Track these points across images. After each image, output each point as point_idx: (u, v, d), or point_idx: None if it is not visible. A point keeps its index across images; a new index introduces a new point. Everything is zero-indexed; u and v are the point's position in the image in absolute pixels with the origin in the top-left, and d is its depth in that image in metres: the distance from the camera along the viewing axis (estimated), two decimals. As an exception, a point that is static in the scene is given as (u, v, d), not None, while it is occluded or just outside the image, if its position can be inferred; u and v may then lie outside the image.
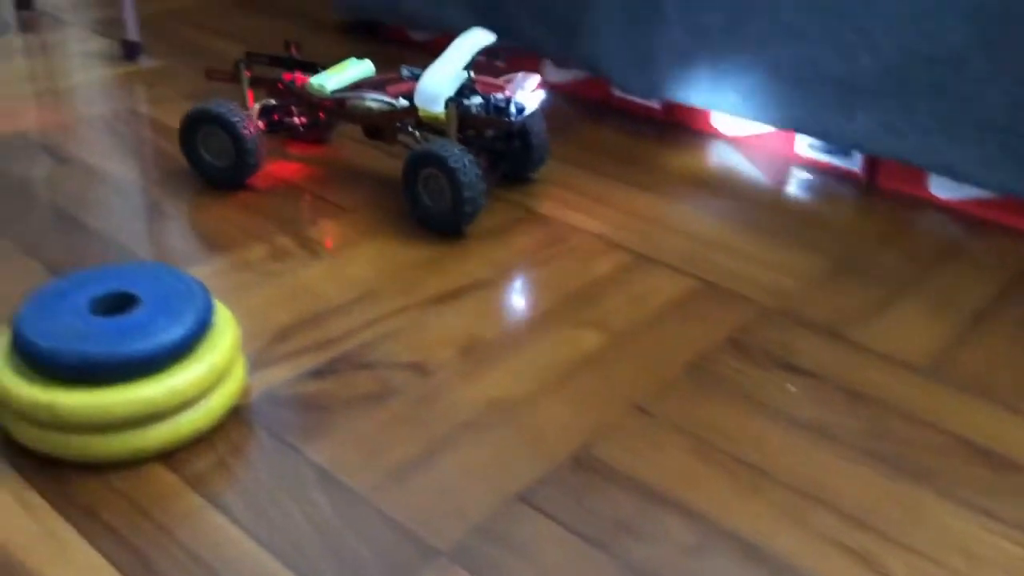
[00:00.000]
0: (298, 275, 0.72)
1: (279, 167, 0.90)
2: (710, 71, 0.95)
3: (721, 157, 0.97)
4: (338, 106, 0.86)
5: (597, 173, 0.92)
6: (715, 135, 1.02)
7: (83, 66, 1.16)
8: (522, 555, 0.48)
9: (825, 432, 0.58)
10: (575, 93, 1.12)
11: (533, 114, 0.85)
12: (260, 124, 0.87)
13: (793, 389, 0.62)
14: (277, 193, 0.85)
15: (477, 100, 0.82)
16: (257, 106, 0.89)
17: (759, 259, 0.77)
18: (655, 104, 1.06)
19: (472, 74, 0.83)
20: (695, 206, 0.86)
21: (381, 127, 0.85)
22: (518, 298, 0.71)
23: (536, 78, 0.84)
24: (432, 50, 1.28)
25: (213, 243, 0.76)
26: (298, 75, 0.88)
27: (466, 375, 0.62)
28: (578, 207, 0.85)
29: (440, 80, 0.81)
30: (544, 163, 0.90)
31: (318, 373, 0.61)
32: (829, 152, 0.95)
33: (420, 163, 0.78)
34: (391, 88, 0.85)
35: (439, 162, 0.77)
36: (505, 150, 0.88)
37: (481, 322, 0.68)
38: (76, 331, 0.53)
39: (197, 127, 0.85)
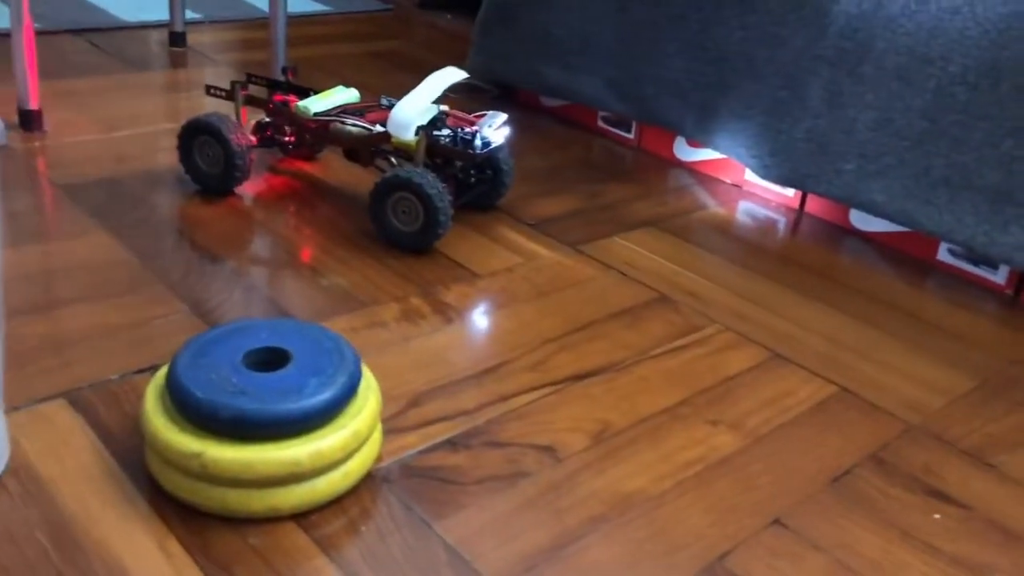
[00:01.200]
0: (432, 338, 0.73)
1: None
2: (853, 167, 0.94)
3: (858, 255, 0.95)
4: (321, 128, 0.93)
5: (719, 255, 0.91)
6: (852, 232, 1.00)
7: (218, 103, 1.20)
8: (655, 668, 0.47)
9: (974, 570, 0.55)
10: (707, 174, 1.11)
11: (501, 148, 0.93)
12: (252, 139, 0.94)
13: (939, 518, 0.59)
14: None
15: (446, 132, 0.88)
16: (252, 123, 0.98)
17: (900, 370, 0.75)
18: (790, 194, 1.05)
19: (446, 109, 0.92)
20: (831, 305, 0.84)
21: (358, 150, 0.92)
22: (649, 386, 0.70)
23: (503, 116, 0.91)
24: (563, 118, 1.31)
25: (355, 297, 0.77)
26: (291, 97, 0.96)
27: (598, 464, 0.61)
28: (708, 293, 0.83)
29: (411, 110, 0.88)
30: (507, 193, 0.98)
31: (451, 445, 0.61)
32: (973, 263, 0.91)
33: (393, 188, 0.85)
34: (370, 115, 0.93)
35: (415, 188, 0.83)
36: (469, 179, 0.95)
37: (613, 408, 0.67)
38: (231, 385, 0.54)
39: (194, 136, 0.92)
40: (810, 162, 0.96)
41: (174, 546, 0.51)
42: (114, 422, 0.60)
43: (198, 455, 0.51)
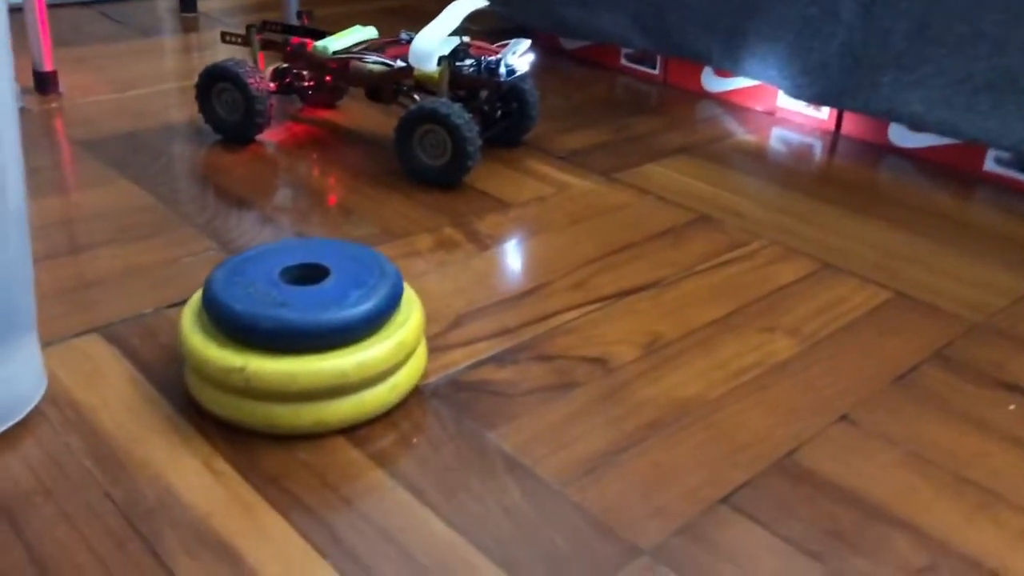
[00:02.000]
0: (470, 263, 0.71)
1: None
2: (890, 80, 0.90)
3: (899, 172, 0.92)
4: (342, 67, 0.90)
5: (758, 177, 0.88)
6: (891, 150, 0.97)
7: (235, 52, 1.18)
8: (731, 559, 0.45)
9: (1056, 457, 0.52)
10: (737, 103, 1.08)
11: (525, 78, 0.90)
12: (271, 85, 0.92)
13: (1015, 408, 0.56)
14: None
15: (469, 62, 0.85)
16: (270, 68, 0.95)
17: (956, 274, 0.72)
18: (824, 116, 1.01)
19: (467, 39, 0.88)
20: (877, 217, 0.81)
21: (380, 88, 0.90)
22: (697, 299, 0.67)
23: (527, 43, 0.87)
24: (583, 59, 1.28)
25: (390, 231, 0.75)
26: (308, 41, 0.92)
27: (651, 373, 0.58)
28: (750, 212, 0.81)
29: (432, 40, 0.85)
30: (533, 127, 0.94)
31: (498, 361, 0.59)
32: (1022, 169, 0.88)
33: (419, 120, 0.82)
34: (390, 51, 0.90)
35: (441, 119, 0.81)
36: (495, 113, 0.92)
37: (661, 321, 0.64)
38: (271, 298, 0.52)
39: (212, 83, 0.90)
40: (845, 78, 0.93)
41: (221, 464, 0.49)
42: (150, 353, 0.58)
43: (241, 369, 0.50)
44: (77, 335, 0.60)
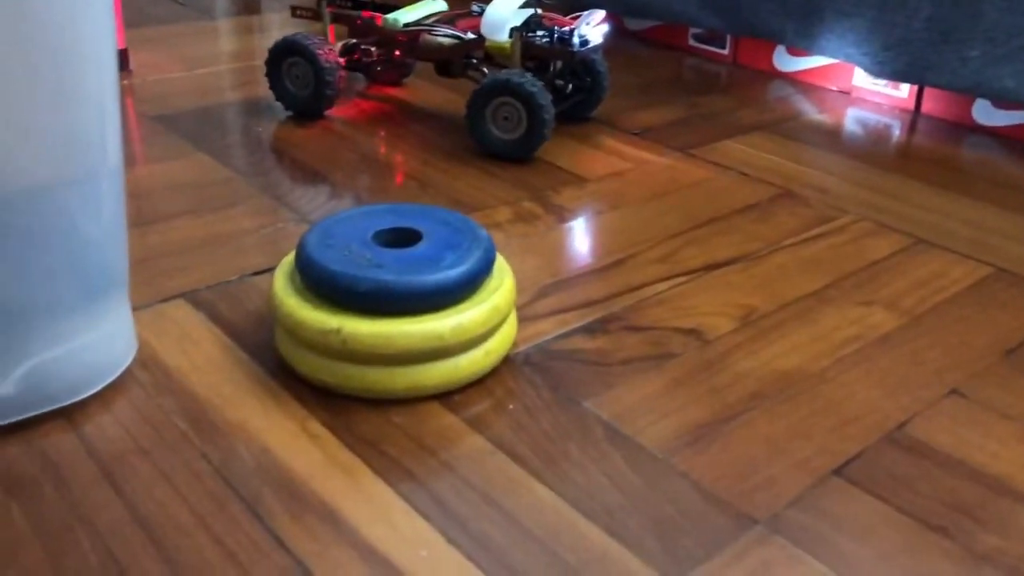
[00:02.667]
0: (546, 236, 0.69)
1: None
2: (979, 54, 0.87)
3: (986, 150, 0.89)
4: (412, 40, 0.89)
5: (839, 154, 0.85)
6: (975, 128, 0.94)
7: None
8: (849, 532, 0.43)
9: None
10: (811, 83, 1.06)
11: (597, 49, 0.87)
12: (340, 60, 0.91)
13: None
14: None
15: (542, 33, 0.84)
16: (339, 44, 0.93)
17: (1057, 251, 0.69)
18: (904, 95, 0.99)
19: (539, 11, 0.87)
20: (966, 194, 0.78)
21: (450, 61, 0.88)
22: (789, 272, 0.65)
23: (601, 13, 0.85)
24: (649, 40, 1.26)
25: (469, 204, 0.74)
26: (378, 15, 0.91)
27: (749, 345, 0.57)
28: (835, 187, 0.78)
29: (505, 10, 0.84)
30: (604, 100, 0.93)
31: (588, 331, 0.58)
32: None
33: (493, 92, 0.81)
34: (460, 23, 0.88)
35: (515, 89, 0.80)
36: (567, 87, 0.90)
37: (755, 294, 0.62)
38: (366, 260, 0.51)
39: (283, 57, 0.90)
40: (931, 53, 0.90)
41: (316, 427, 0.48)
42: (237, 318, 0.58)
43: (337, 330, 0.49)
44: (163, 300, 0.59)
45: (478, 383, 0.52)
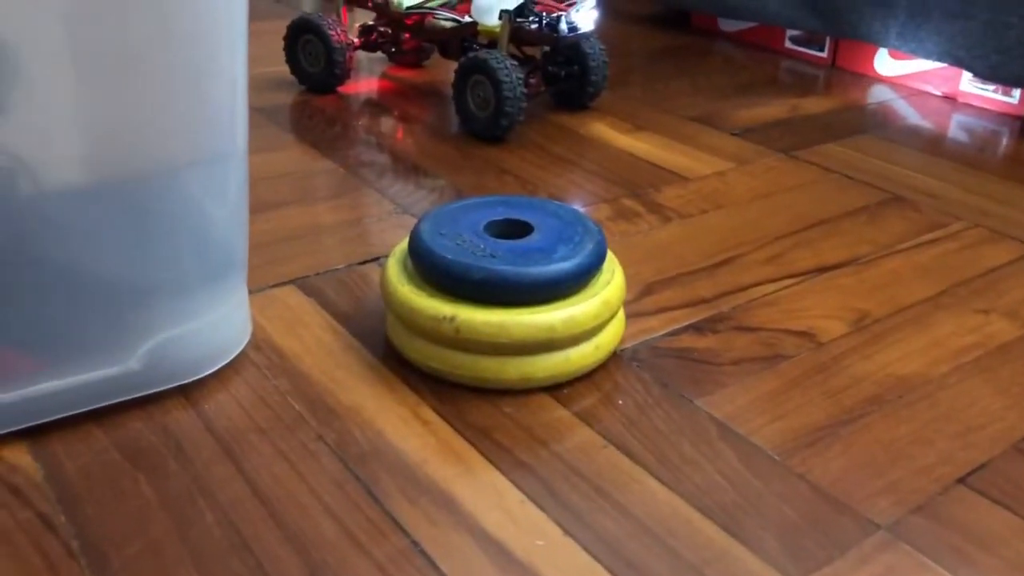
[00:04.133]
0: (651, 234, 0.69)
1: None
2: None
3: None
4: (417, 23, 0.91)
5: (947, 160, 0.83)
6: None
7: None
8: (978, 542, 0.41)
9: None
10: (914, 87, 1.03)
11: (589, 38, 0.89)
12: (356, 40, 0.95)
13: None
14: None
15: (532, 18, 0.84)
16: (358, 25, 0.96)
17: None
18: (1013, 100, 0.95)
19: None
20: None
21: (449, 43, 0.91)
22: (902, 278, 0.63)
23: (591, 1, 0.86)
24: (743, 41, 1.24)
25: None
26: None
27: (863, 349, 0.55)
28: (945, 193, 0.76)
29: None
30: (600, 92, 0.93)
31: (697, 330, 0.57)
32: None
33: (470, 71, 0.83)
34: (461, 7, 0.90)
35: (485, 68, 0.81)
36: (559, 73, 0.91)
37: (868, 298, 0.61)
38: (479, 249, 0.51)
39: (299, 35, 0.94)
40: (1047, 57, 0.87)
41: (428, 413, 0.49)
42: (346, 305, 0.58)
43: (451, 319, 0.49)
44: (274, 286, 0.61)
45: (586, 377, 0.52)
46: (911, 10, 0.97)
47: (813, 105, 0.98)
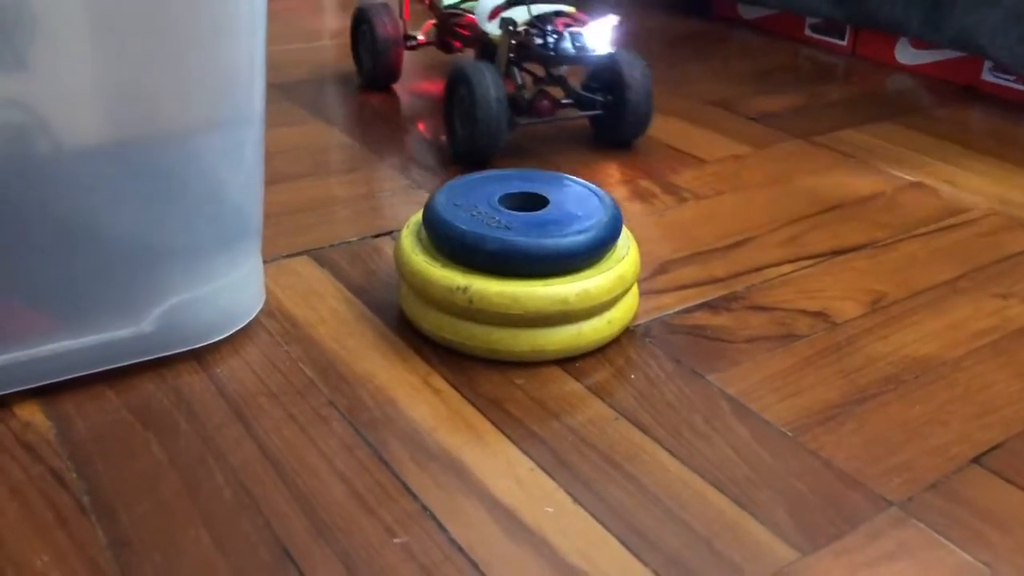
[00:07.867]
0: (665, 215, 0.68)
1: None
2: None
3: None
4: (461, 25, 0.85)
5: (967, 148, 0.82)
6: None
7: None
8: (992, 520, 0.41)
9: None
10: (934, 76, 1.02)
11: (631, 62, 0.75)
12: (420, 39, 0.91)
13: None
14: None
15: (549, 28, 0.72)
16: (427, 22, 0.92)
17: None
18: (1036, 91, 0.94)
19: (566, 8, 0.74)
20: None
21: (475, 47, 0.84)
22: (919, 261, 0.63)
23: (613, 20, 0.72)
24: (763, 28, 1.23)
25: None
26: None
27: (879, 330, 0.55)
28: (965, 180, 0.75)
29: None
30: (643, 129, 0.77)
31: (711, 308, 0.57)
32: None
33: (454, 82, 0.73)
34: (495, 10, 0.79)
35: (465, 80, 0.70)
36: (595, 100, 0.76)
37: (884, 280, 0.60)
38: (494, 221, 0.51)
39: (357, 24, 0.91)
40: (1072, 46, 0.86)
41: (439, 382, 0.49)
42: (359, 276, 0.58)
43: (464, 289, 0.49)
44: (288, 256, 0.60)
45: (599, 352, 0.52)
46: (934, -2, 0.96)
47: (832, 92, 0.97)
